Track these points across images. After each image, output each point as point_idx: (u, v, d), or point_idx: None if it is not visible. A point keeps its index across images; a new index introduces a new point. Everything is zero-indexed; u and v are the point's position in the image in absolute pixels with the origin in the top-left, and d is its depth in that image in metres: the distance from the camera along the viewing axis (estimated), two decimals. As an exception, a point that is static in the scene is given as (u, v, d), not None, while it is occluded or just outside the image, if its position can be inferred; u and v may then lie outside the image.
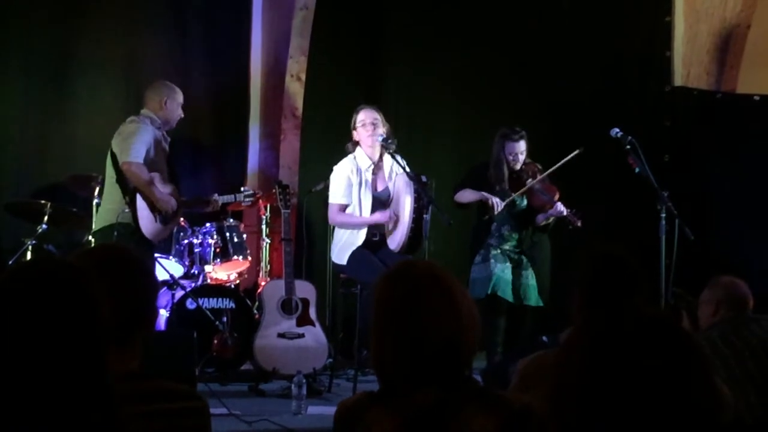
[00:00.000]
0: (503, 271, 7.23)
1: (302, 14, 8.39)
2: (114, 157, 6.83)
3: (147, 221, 6.82)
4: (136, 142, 6.76)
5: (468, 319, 2.49)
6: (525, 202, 7.41)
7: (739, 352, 4.47)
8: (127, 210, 6.75)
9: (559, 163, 7.23)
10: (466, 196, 7.33)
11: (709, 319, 4.74)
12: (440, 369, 2.44)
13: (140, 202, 6.78)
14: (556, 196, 7.25)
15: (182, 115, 7.13)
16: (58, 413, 1.91)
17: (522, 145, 7.29)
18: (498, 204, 7.17)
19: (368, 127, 6.94)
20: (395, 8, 8.97)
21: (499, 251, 7.30)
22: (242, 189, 7.59)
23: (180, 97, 7.09)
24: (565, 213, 7.19)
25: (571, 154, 7.16)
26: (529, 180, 7.27)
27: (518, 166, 7.32)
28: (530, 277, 7.32)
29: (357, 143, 7.04)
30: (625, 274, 3.35)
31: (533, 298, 7.29)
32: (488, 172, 7.34)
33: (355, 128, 7.02)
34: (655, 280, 6.40)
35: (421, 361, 2.43)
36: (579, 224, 7.21)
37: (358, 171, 6.97)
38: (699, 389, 1.70)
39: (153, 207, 6.83)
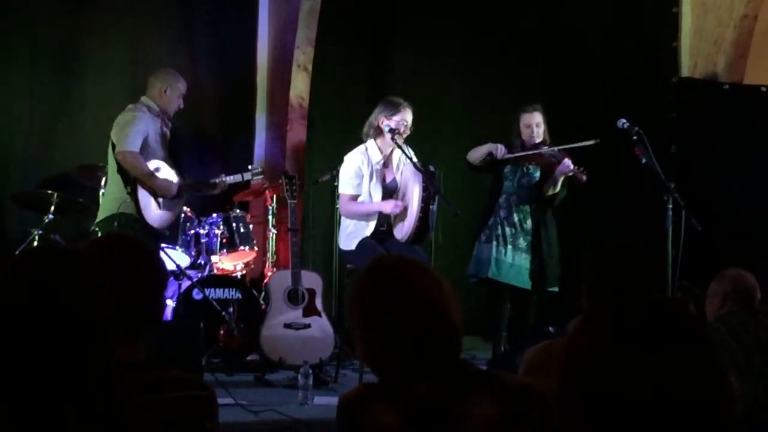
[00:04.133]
0: (505, 254, 7.29)
1: (309, 4, 8.38)
2: (114, 146, 6.85)
3: (150, 209, 6.85)
4: (131, 132, 6.80)
5: (451, 295, 2.51)
6: (538, 173, 7.45)
7: (747, 344, 4.46)
8: (129, 200, 6.77)
9: (575, 144, 7.29)
10: (475, 153, 7.44)
11: (716, 312, 4.74)
12: (436, 347, 2.45)
13: (141, 190, 6.80)
14: (568, 158, 7.28)
15: (182, 106, 7.14)
16: (63, 401, 1.91)
17: (536, 117, 7.41)
18: (500, 148, 7.29)
19: (405, 130, 6.91)
20: (402, -2, 8.97)
21: (503, 230, 7.35)
22: (249, 167, 7.60)
23: (182, 87, 7.10)
24: (571, 168, 7.20)
25: (588, 142, 7.21)
26: (545, 147, 7.32)
27: (536, 140, 7.38)
28: (529, 263, 7.35)
29: (379, 133, 6.96)
30: (636, 264, 3.34)
31: (538, 284, 7.34)
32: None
33: (389, 118, 6.94)
34: (662, 274, 6.39)
35: (416, 341, 2.44)
36: (584, 179, 7.24)
37: (369, 163, 6.96)
38: (710, 381, 1.70)
39: (154, 194, 6.85)
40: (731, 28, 9.41)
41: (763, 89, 9.06)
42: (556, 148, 7.35)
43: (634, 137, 6.77)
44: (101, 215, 6.97)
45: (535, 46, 9.09)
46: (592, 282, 3.35)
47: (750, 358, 4.42)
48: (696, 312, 5.04)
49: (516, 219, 7.42)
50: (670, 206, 6.64)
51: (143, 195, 6.83)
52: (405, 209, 6.85)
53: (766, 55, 9.41)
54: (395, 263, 2.59)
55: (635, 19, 9.39)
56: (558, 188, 7.39)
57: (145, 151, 6.85)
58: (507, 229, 7.39)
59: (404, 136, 6.92)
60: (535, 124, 7.41)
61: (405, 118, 6.94)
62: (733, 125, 8.93)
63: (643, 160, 6.73)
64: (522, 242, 7.38)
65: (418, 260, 2.63)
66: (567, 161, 7.22)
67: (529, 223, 7.43)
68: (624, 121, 6.88)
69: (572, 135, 7.41)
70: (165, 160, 7.01)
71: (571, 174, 7.25)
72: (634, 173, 7.46)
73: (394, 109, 6.95)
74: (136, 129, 6.83)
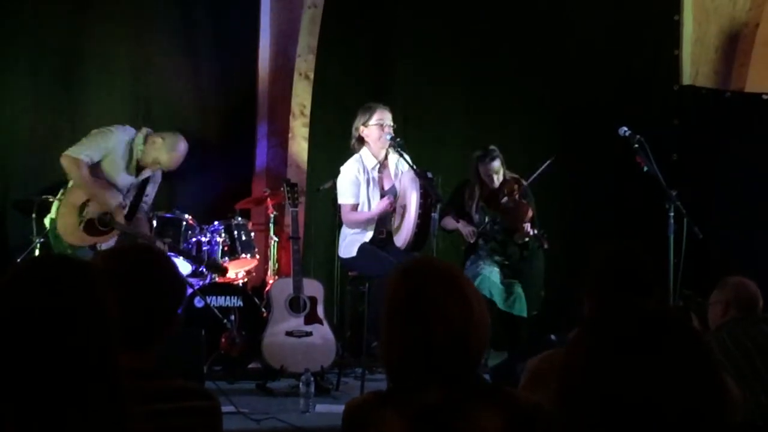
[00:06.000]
0: (491, 272, 7.30)
1: (311, 12, 8.39)
2: None
3: (65, 222, 6.88)
4: (90, 142, 6.93)
5: (479, 316, 2.49)
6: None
7: (748, 351, 4.46)
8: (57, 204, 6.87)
9: (533, 176, 7.36)
10: (447, 224, 7.53)
11: (718, 319, 4.74)
12: (450, 365, 2.44)
13: (66, 204, 6.88)
14: (528, 215, 7.29)
15: (152, 171, 7.13)
16: (65, 408, 1.91)
17: (495, 165, 7.44)
18: (471, 234, 7.39)
19: (386, 128, 6.93)
20: (404, 6, 8.96)
21: (487, 256, 7.38)
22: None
23: (163, 152, 7.07)
24: (531, 233, 7.24)
25: (544, 164, 7.30)
26: (505, 199, 7.34)
27: (496, 184, 7.42)
28: (516, 286, 7.37)
29: (363, 141, 7.02)
30: (637, 270, 3.33)
31: (517, 308, 7.35)
32: (465, 192, 7.52)
33: (366, 125, 6.98)
34: (663, 280, 6.39)
35: (430, 357, 2.43)
36: (546, 246, 7.28)
37: (365, 170, 6.97)
38: (707, 388, 1.70)
39: (81, 209, 6.85)
40: (732, 35, 9.41)
41: (765, 97, 9.05)
42: (513, 196, 7.36)
43: (636, 145, 6.77)
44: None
45: (537, 54, 9.09)
46: (594, 284, 3.35)
47: (752, 365, 4.42)
48: (698, 320, 5.05)
49: (495, 260, 7.47)
50: (672, 214, 6.65)
51: (64, 211, 6.88)
52: (403, 217, 6.86)
53: (768, 63, 9.42)
54: (427, 274, 2.53)
55: (637, 27, 9.39)
56: (528, 240, 7.42)
57: (104, 165, 6.93)
58: (490, 259, 7.43)
59: (388, 136, 6.92)
60: (494, 173, 7.46)
61: (381, 118, 6.96)
62: (735, 133, 8.92)
63: (645, 168, 6.72)
64: (507, 271, 7.43)
65: (454, 269, 2.57)
66: (526, 228, 7.25)
67: (511, 260, 7.49)
68: (625, 129, 6.88)
69: (573, 144, 7.41)
70: (125, 186, 7.01)
71: (531, 237, 7.30)
72: (635, 181, 7.45)
73: (369, 112, 6.99)
74: (97, 142, 6.94)
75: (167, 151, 7.10)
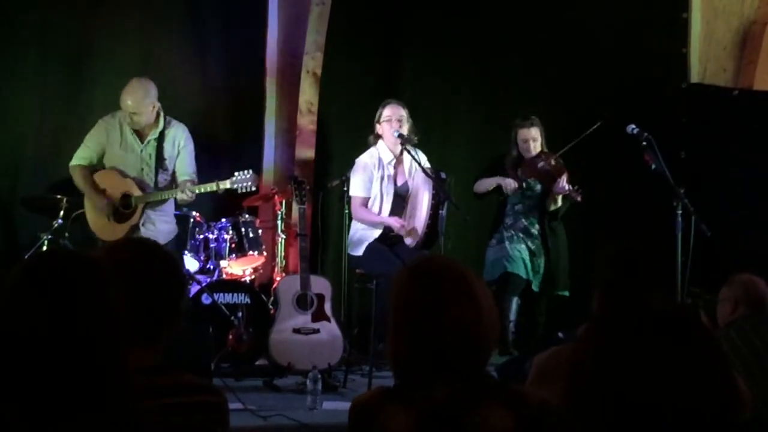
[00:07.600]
0: (518, 250, 7.35)
1: (318, 10, 8.38)
2: None
3: (92, 217, 7.03)
4: (83, 144, 7.11)
5: (488, 315, 2.48)
6: (539, 186, 7.52)
7: (757, 349, 4.46)
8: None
9: (577, 139, 7.35)
10: (483, 184, 7.54)
11: (727, 317, 4.73)
12: (458, 363, 2.44)
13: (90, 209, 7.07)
14: (564, 177, 7.30)
15: (142, 128, 7.11)
16: (73, 405, 1.91)
17: (533, 132, 7.50)
18: (510, 184, 7.35)
19: (394, 123, 6.97)
20: (412, 3, 8.95)
21: (512, 232, 7.41)
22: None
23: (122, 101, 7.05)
24: (566, 188, 7.24)
25: (591, 129, 7.28)
26: (541, 163, 7.36)
27: (532, 153, 7.43)
28: (540, 265, 7.40)
29: (380, 137, 7.08)
30: (644, 269, 3.33)
31: (535, 284, 7.39)
32: (505, 161, 7.56)
33: (379, 122, 7.07)
34: (671, 277, 6.38)
35: (438, 356, 2.43)
36: (579, 199, 7.29)
37: (380, 164, 6.99)
38: (716, 384, 1.70)
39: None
40: (741, 33, 9.40)
41: (773, 95, 9.05)
42: (552, 158, 7.38)
43: (644, 143, 6.78)
44: None
45: (545, 53, 9.08)
46: (602, 282, 3.35)
47: (761, 362, 4.42)
48: (707, 318, 5.04)
49: (523, 224, 7.49)
50: (680, 212, 6.65)
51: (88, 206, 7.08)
52: (414, 213, 6.87)
53: (776, 61, 9.41)
54: (436, 272, 2.52)
55: (645, 25, 9.38)
56: (559, 203, 7.47)
57: (107, 160, 7.08)
58: (515, 233, 7.46)
59: (404, 131, 6.95)
60: (531, 139, 7.50)
61: (391, 114, 7.03)
62: (743, 131, 8.91)
63: (653, 166, 6.73)
64: (531, 245, 7.45)
65: (463, 267, 2.56)
66: (561, 183, 7.26)
67: (537, 228, 7.49)
68: (633, 126, 6.89)
69: (581, 141, 7.41)
70: (137, 163, 7.06)
71: (566, 194, 7.30)
72: (643, 179, 7.44)
73: (382, 108, 7.08)
74: (87, 140, 7.11)
75: (121, 97, 7.02)
